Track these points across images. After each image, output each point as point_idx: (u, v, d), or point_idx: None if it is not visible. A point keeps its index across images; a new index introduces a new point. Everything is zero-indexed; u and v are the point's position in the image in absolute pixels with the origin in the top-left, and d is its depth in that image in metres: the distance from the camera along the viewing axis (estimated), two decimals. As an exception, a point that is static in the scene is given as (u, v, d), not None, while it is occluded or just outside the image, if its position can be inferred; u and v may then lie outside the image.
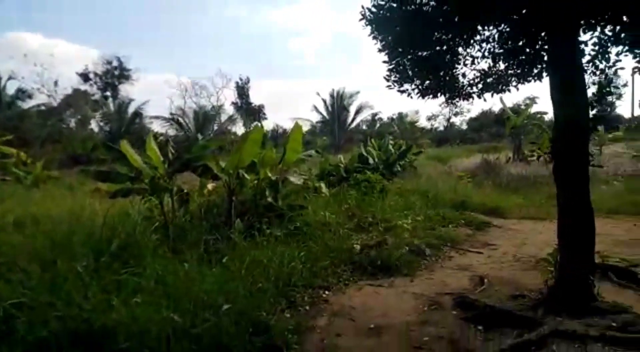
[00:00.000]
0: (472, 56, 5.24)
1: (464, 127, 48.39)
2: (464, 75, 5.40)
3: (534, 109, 28.49)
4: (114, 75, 38.47)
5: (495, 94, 5.57)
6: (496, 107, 39.57)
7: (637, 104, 43.18)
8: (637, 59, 4.49)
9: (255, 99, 43.68)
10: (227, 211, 7.62)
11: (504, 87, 5.49)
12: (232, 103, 41.97)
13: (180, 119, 34.36)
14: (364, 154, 16.41)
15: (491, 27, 4.94)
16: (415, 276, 6.42)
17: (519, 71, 5.24)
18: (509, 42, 4.80)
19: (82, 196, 10.72)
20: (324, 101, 41.79)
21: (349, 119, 42.41)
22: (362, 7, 4.95)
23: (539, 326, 4.23)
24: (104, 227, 5.76)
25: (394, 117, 45.67)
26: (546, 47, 4.68)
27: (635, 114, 41.26)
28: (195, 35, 67.46)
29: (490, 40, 5.04)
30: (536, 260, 6.65)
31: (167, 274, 4.80)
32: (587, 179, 4.66)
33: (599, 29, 4.39)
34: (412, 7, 4.71)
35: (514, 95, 60.05)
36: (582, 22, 4.30)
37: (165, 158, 7.35)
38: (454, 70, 5.35)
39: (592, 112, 4.70)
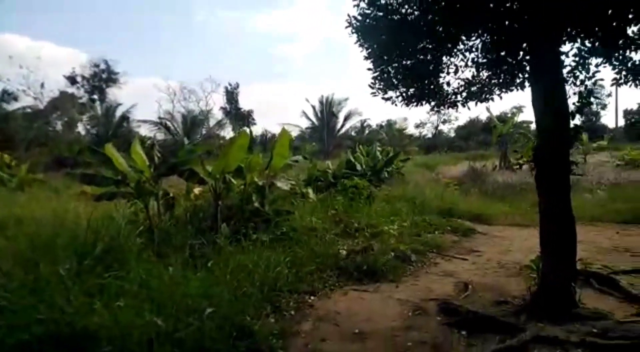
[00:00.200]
0: (456, 65, 5.32)
1: (452, 134, 48.92)
2: (448, 83, 5.47)
3: (520, 117, 29.01)
4: (102, 78, 38.24)
5: (479, 103, 5.66)
6: (484, 116, 40.07)
7: (621, 114, 43.94)
8: (616, 70, 4.61)
9: (244, 104, 43.80)
10: (213, 216, 7.60)
11: (487, 95, 5.57)
12: (221, 108, 41.99)
13: (168, 123, 34.24)
14: (352, 160, 16.48)
15: (474, 37, 5.03)
16: (401, 281, 6.45)
17: (501, 80, 5.33)
18: (492, 52, 4.88)
19: (67, 199, 10.61)
20: (313, 107, 41.98)
21: (338, 126, 42.59)
22: (348, 15, 5.02)
23: (521, 331, 4.28)
24: (87, 231, 5.71)
25: (383, 124, 46.01)
26: (528, 57, 4.77)
27: (619, 124, 42.14)
28: (185, 39, 67.44)
29: (474, 49, 5.12)
30: (520, 267, 6.73)
31: (151, 278, 4.76)
32: (569, 186, 4.73)
33: (579, 40, 4.49)
34: (398, 16, 4.78)
35: (501, 104, 60.70)
36: (562, 33, 4.39)
37: (151, 162, 7.32)
38: (438, 79, 5.42)
39: (573, 122, 4.78)
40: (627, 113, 44.05)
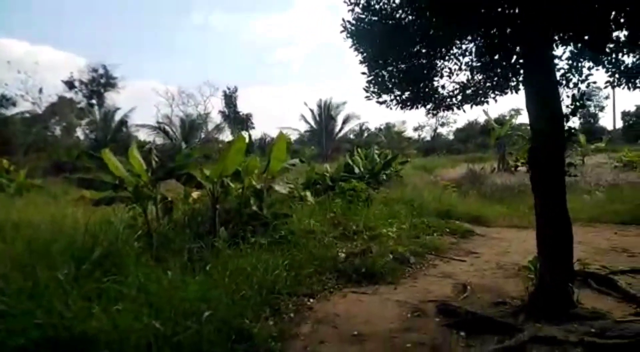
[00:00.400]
0: (450, 69, 5.37)
1: (451, 137, 48.99)
2: (443, 87, 5.51)
3: (518, 120, 29.04)
4: (100, 83, 38.23)
5: (474, 105, 5.69)
6: (482, 118, 40.15)
7: (619, 116, 44.12)
8: (609, 73, 4.64)
9: (243, 107, 43.83)
10: (211, 219, 7.61)
11: (482, 98, 5.60)
12: (220, 112, 42.01)
13: (167, 127, 34.22)
14: (350, 163, 16.50)
15: (468, 41, 5.07)
16: (399, 283, 6.46)
17: (496, 83, 5.37)
18: (486, 56, 4.92)
19: (65, 204, 10.61)
20: (312, 111, 41.95)
21: (337, 129, 42.53)
22: (343, 20, 5.05)
23: (519, 332, 4.29)
24: (86, 235, 5.71)
25: (381, 127, 46.08)
26: (521, 60, 4.80)
27: (617, 126, 42.29)
28: (183, 43, 67.56)
29: (468, 53, 5.17)
30: (518, 268, 6.75)
31: (149, 282, 4.76)
32: (564, 188, 4.74)
33: (572, 44, 4.52)
34: (392, 21, 4.83)
35: (499, 107, 61.08)
36: (554, 37, 4.43)
37: (148, 166, 7.33)
38: (433, 82, 5.45)
39: (567, 124, 4.81)
40: (625, 115, 44.26)
